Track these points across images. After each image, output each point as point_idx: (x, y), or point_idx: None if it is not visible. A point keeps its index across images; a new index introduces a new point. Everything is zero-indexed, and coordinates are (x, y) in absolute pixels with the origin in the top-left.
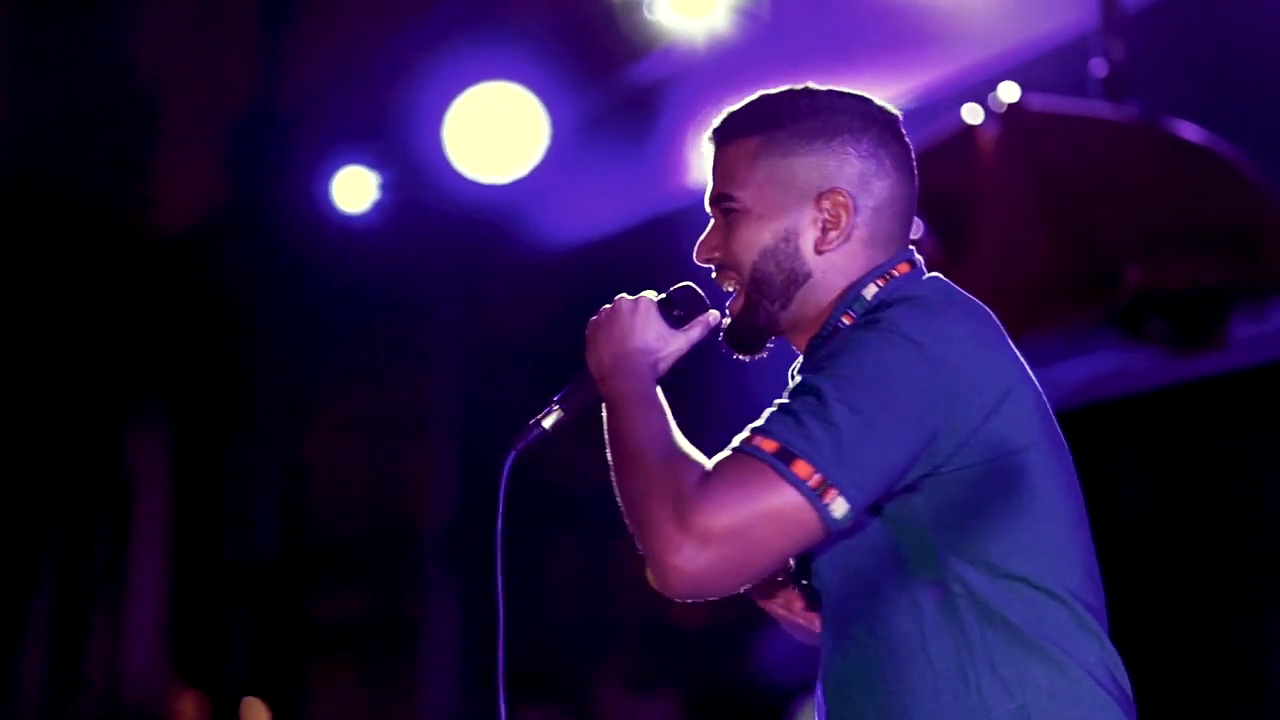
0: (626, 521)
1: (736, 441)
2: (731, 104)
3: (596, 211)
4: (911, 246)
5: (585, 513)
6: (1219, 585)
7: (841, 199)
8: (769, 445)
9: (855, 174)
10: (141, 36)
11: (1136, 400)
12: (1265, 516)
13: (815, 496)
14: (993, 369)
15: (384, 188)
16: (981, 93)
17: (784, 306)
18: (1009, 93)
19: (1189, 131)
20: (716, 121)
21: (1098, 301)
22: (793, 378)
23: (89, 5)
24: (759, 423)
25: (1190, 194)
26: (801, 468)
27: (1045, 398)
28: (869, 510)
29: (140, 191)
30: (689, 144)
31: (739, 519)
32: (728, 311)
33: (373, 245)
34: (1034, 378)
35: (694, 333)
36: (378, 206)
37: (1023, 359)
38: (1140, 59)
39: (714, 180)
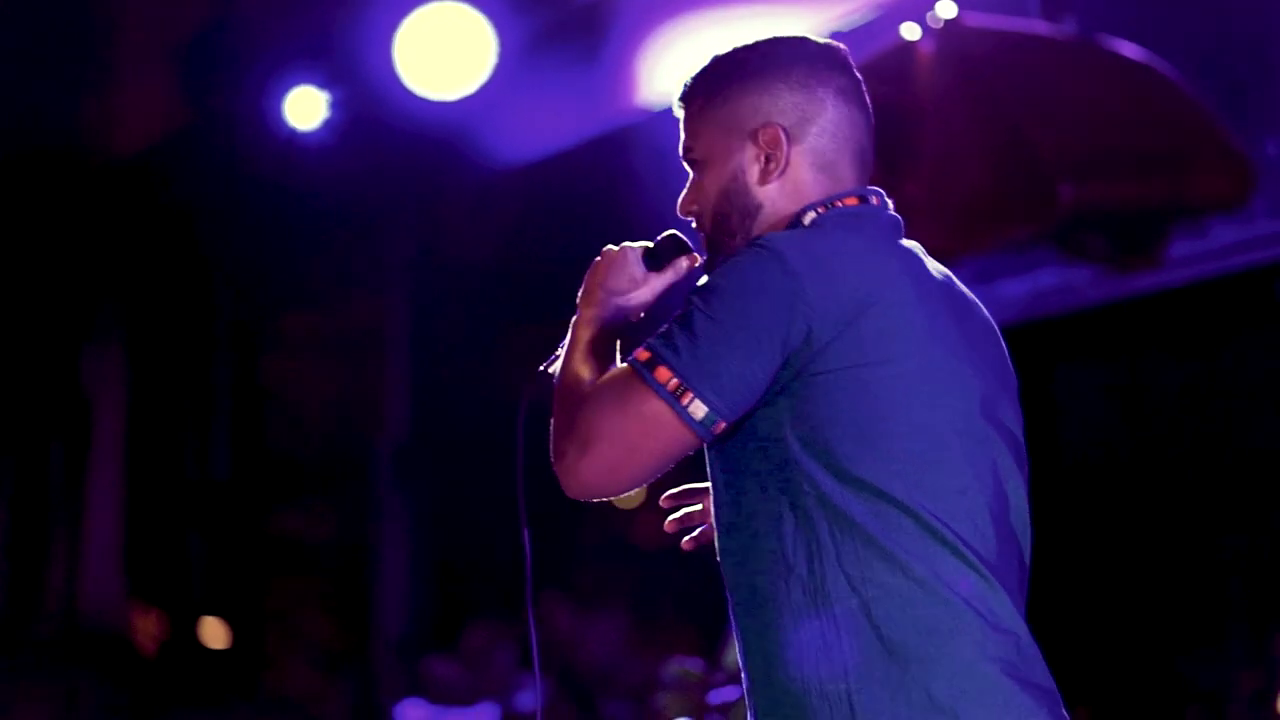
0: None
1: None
2: (724, 32)
3: (547, 128)
4: (875, 189)
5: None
6: (1158, 499)
7: (773, 132)
8: (643, 355)
9: (788, 106)
10: None
11: (1077, 316)
12: (1203, 431)
13: (674, 399)
14: (856, 283)
15: (335, 106)
16: (920, 11)
17: (745, 239)
18: (946, 9)
19: (1127, 50)
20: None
21: (1035, 219)
22: None
23: None
24: (649, 338)
25: (1128, 112)
26: (662, 373)
27: (950, 320)
28: (739, 422)
29: (93, 112)
30: (637, 60)
31: (611, 423)
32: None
33: (325, 163)
34: (937, 301)
35: (666, 276)
36: (329, 124)
37: (916, 281)
38: None
39: (683, 141)
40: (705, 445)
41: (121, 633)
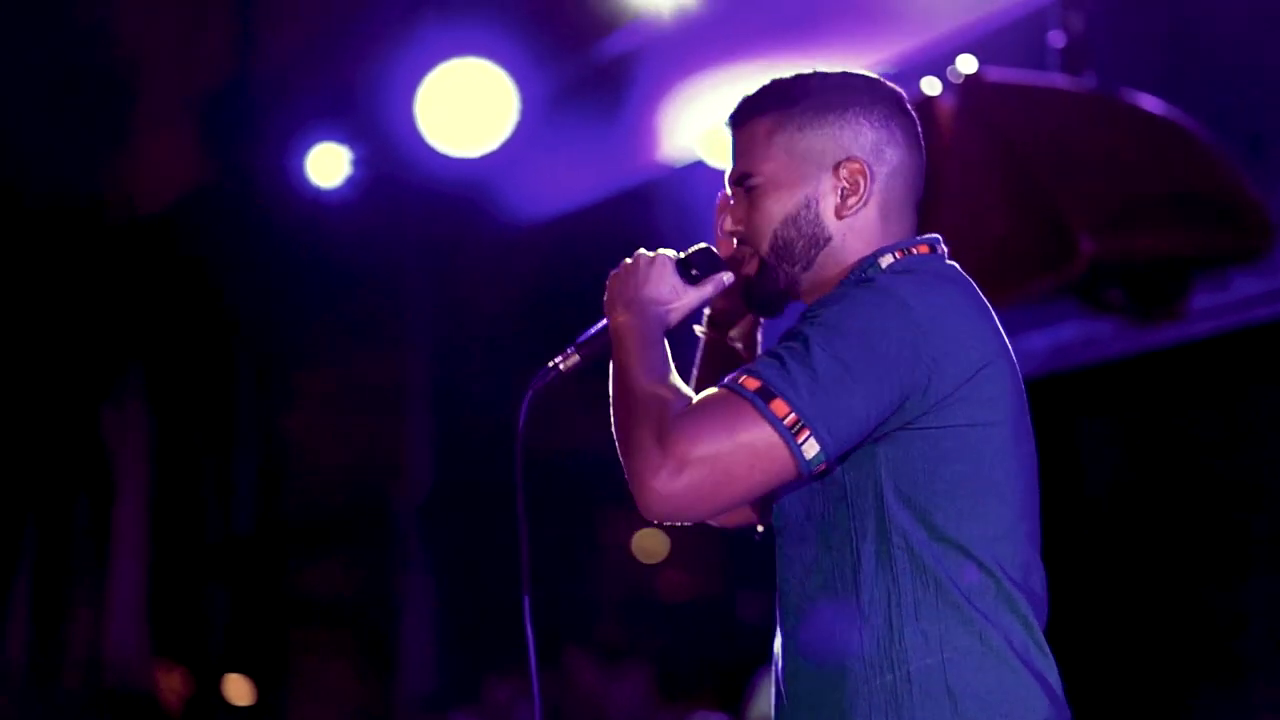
0: (617, 447)
1: (721, 380)
2: (743, 89)
3: (567, 185)
4: (937, 236)
5: (566, 486)
6: (1180, 551)
7: (858, 166)
8: (752, 384)
9: (869, 144)
10: (117, 11)
11: (1099, 369)
12: (1226, 484)
13: (789, 435)
14: (974, 343)
15: (357, 163)
16: (941, 66)
17: (805, 268)
18: (967, 64)
19: (1147, 103)
20: (732, 109)
21: (1056, 272)
22: None
23: None
24: (747, 365)
25: (1148, 165)
26: (779, 406)
27: (1022, 385)
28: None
29: (116, 168)
30: (657, 116)
31: (716, 448)
32: (741, 275)
33: (347, 220)
34: (1015, 363)
35: (706, 290)
36: (351, 182)
37: (1007, 342)
38: (1098, 31)
39: (734, 162)
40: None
41: (146, 689)
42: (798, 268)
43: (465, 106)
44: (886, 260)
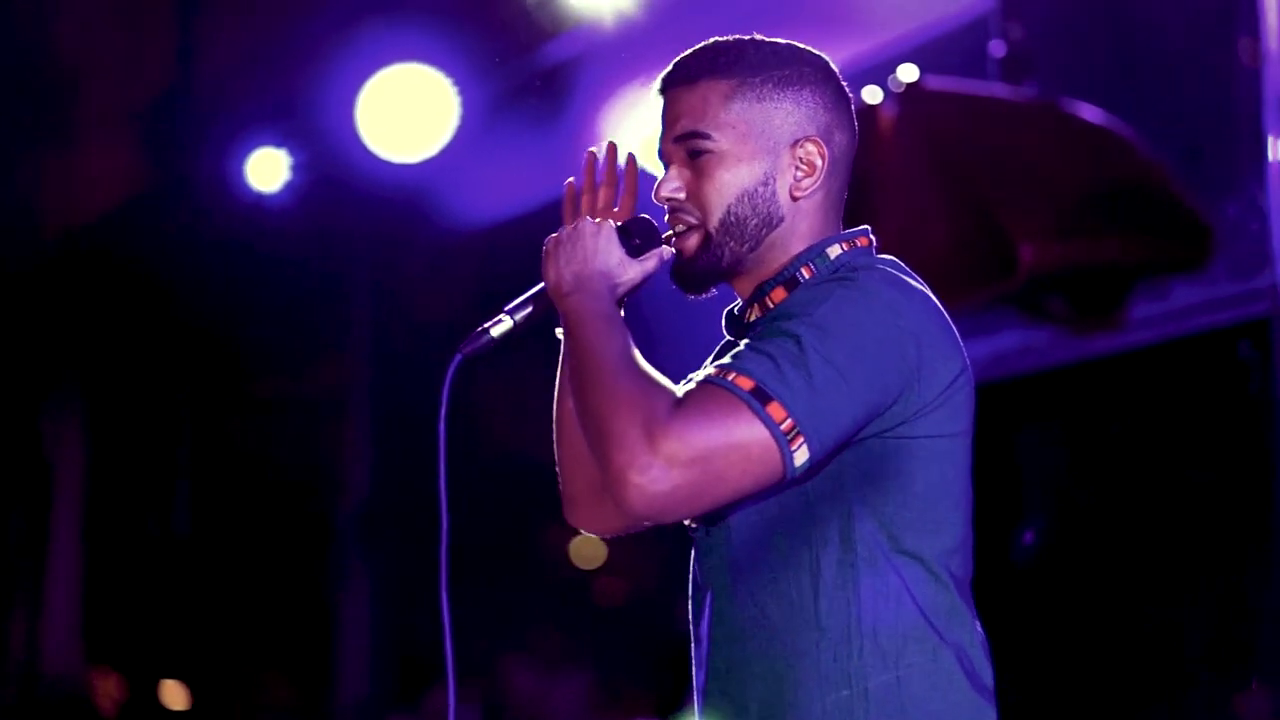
0: (587, 436)
1: (705, 375)
2: (689, 51)
3: (508, 191)
4: (868, 228)
5: (501, 490)
6: (1119, 560)
7: (815, 147)
8: (745, 383)
9: (824, 124)
10: (57, 18)
11: (1038, 378)
12: (1164, 493)
13: (784, 440)
14: (953, 351)
15: (297, 168)
16: (882, 74)
17: (752, 249)
18: (908, 73)
19: (1087, 111)
20: (675, 65)
21: (996, 280)
22: (736, 319)
23: None
24: (732, 360)
25: (1087, 174)
26: (776, 410)
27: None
28: None
29: (55, 175)
30: (598, 123)
31: (708, 447)
32: (676, 248)
33: (287, 225)
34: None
35: (649, 264)
36: (291, 187)
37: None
38: (1038, 40)
39: (681, 119)
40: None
41: (82, 695)
42: (745, 247)
43: (406, 112)
44: (835, 251)
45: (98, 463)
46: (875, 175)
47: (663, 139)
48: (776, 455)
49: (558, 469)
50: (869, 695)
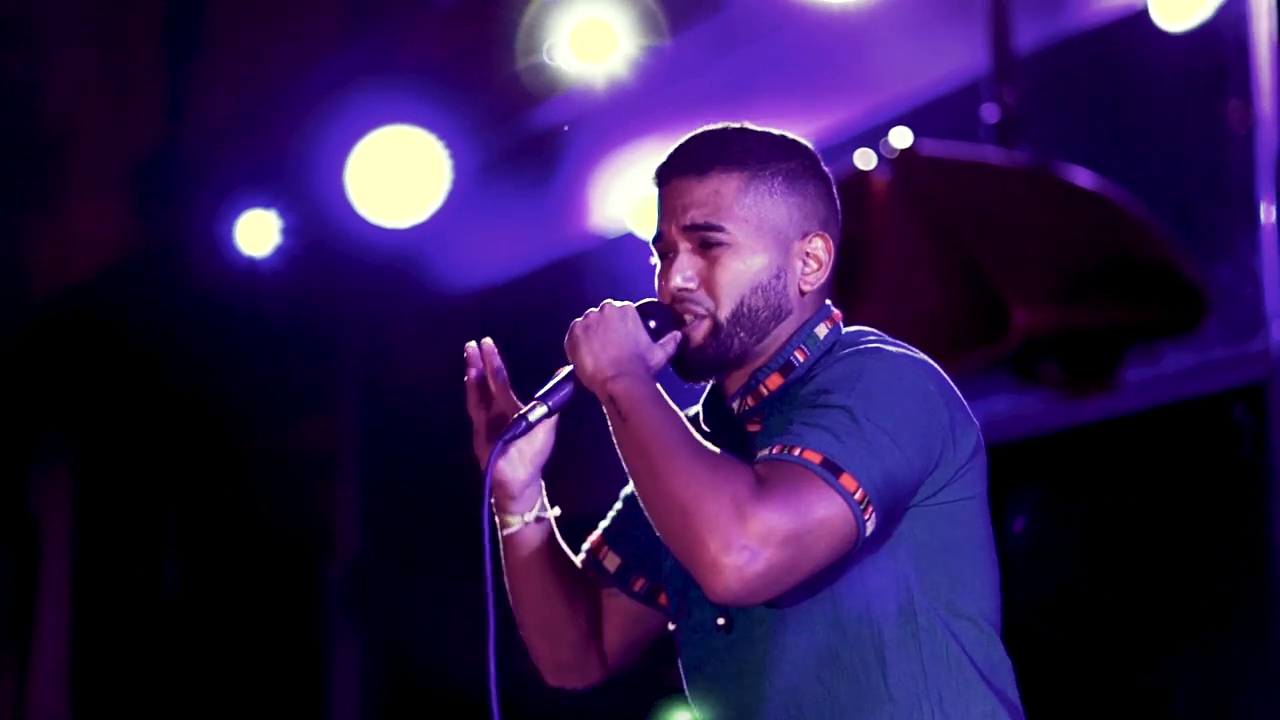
0: (663, 522)
1: (767, 453)
2: (688, 137)
3: (499, 255)
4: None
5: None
6: (1109, 625)
7: (822, 243)
8: (814, 457)
9: (825, 217)
10: (47, 78)
11: (1031, 443)
12: (1155, 559)
13: (859, 510)
14: (970, 416)
15: (286, 232)
16: (874, 138)
17: (759, 340)
18: (901, 138)
19: (1080, 176)
20: (681, 153)
21: (989, 344)
22: (722, 410)
23: None
24: (789, 437)
25: (1081, 238)
26: (848, 481)
27: None
28: None
29: (44, 235)
30: (589, 187)
31: (798, 525)
32: (684, 336)
33: (276, 287)
34: None
35: (669, 348)
36: (280, 250)
37: None
38: (1031, 104)
39: (691, 210)
40: None
41: None
42: (754, 339)
43: (396, 175)
44: (822, 331)
45: (86, 521)
46: (868, 240)
47: (666, 228)
48: (854, 526)
49: (530, 640)
50: None
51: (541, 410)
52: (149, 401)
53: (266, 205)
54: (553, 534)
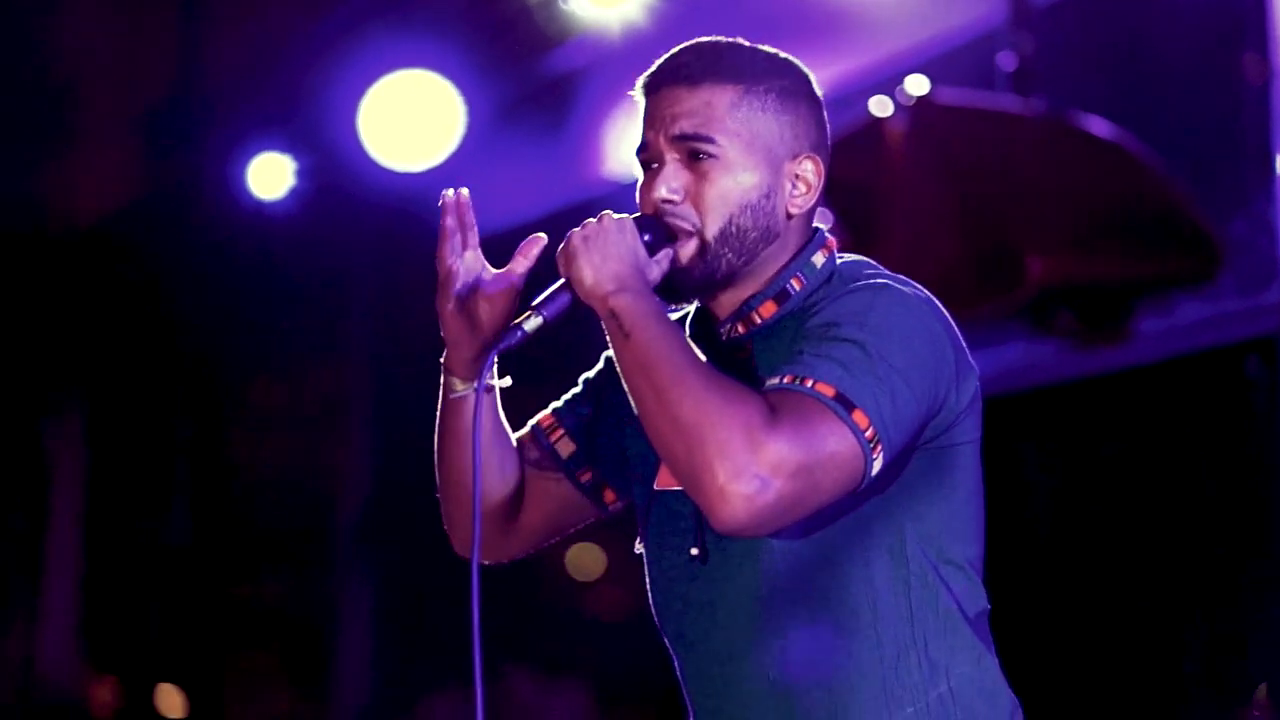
0: (668, 445)
1: (779, 382)
2: (680, 48)
3: (511, 200)
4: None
5: None
6: (1119, 577)
7: (813, 165)
8: (827, 390)
9: (817, 139)
10: (59, 22)
11: (1043, 392)
12: (1167, 508)
13: (868, 448)
14: (969, 360)
15: (300, 174)
16: (890, 86)
17: (747, 262)
18: (917, 86)
19: (1096, 126)
20: (672, 62)
21: (1003, 294)
22: (709, 336)
23: None
24: (799, 367)
25: (1097, 188)
26: (860, 417)
27: None
28: None
29: (56, 179)
30: (603, 133)
31: (809, 458)
32: (675, 255)
33: (289, 232)
34: None
35: (664, 264)
36: (294, 193)
37: None
38: (1048, 53)
39: (680, 120)
40: None
41: (78, 701)
42: (741, 260)
43: (410, 119)
44: (819, 259)
45: (98, 467)
46: (883, 187)
47: (653, 137)
48: (861, 464)
49: (450, 510)
50: (929, 709)
51: (537, 321)
52: (160, 346)
53: (280, 149)
54: (496, 405)
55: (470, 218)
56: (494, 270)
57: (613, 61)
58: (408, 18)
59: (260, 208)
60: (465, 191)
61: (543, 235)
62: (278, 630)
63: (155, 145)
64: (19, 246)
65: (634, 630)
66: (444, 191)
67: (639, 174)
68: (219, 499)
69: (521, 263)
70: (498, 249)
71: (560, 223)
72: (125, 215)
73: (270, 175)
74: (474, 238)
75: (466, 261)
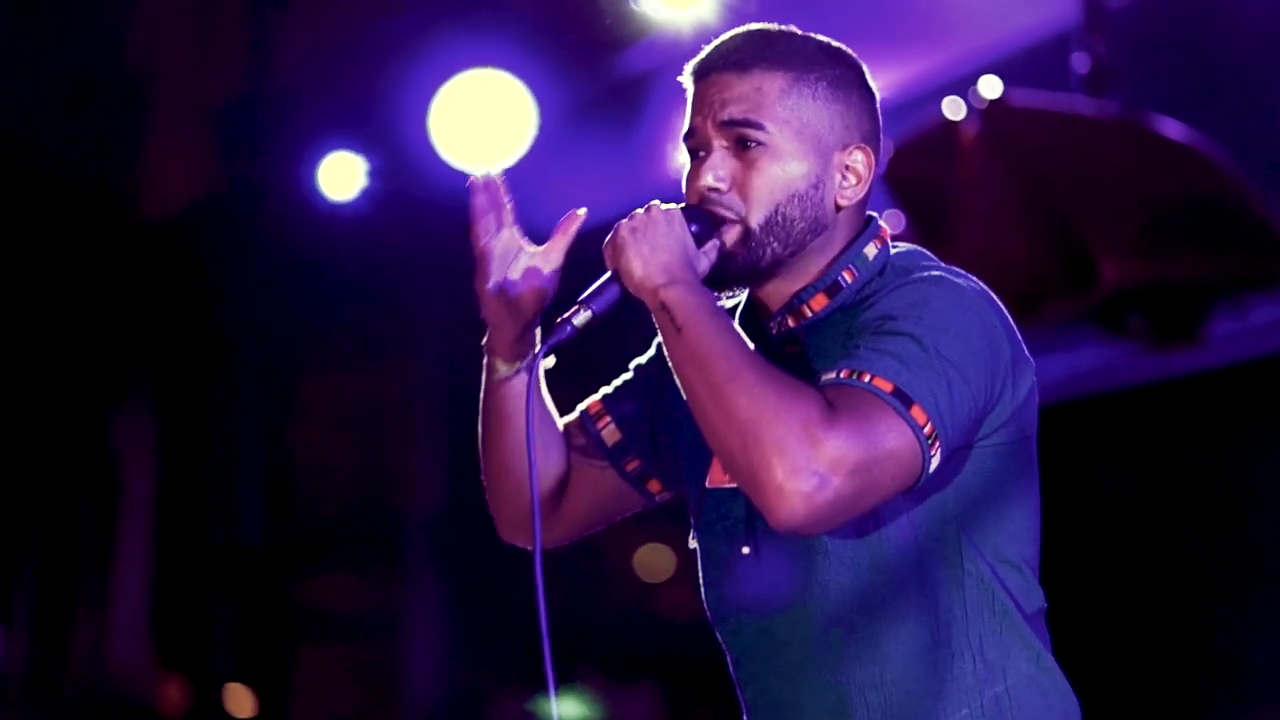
0: (724, 442)
1: (837, 375)
2: (730, 34)
3: (582, 201)
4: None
5: None
6: (1195, 580)
7: (864, 156)
8: (885, 385)
9: (869, 130)
10: (132, 19)
11: (1117, 396)
12: (1241, 513)
13: (926, 444)
14: (1026, 354)
15: (371, 174)
16: (963, 87)
17: (794, 253)
18: (990, 88)
19: (1170, 128)
20: (721, 48)
21: (1076, 297)
22: (758, 328)
23: None
24: (856, 361)
25: (1170, 190)
26: (919, 413)
27: None
28: None
29: (128, 175)
30: (675, 133)
31: (868, 454)
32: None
33: (359, 232)
34: None
35: (712, 255)
36: (365, 194)
37: None
38: (1122, 55)
39: (729, 105)
40: None
41: (147, 699)
42: (787, 250)
43: (482, 119)
44: (871, 250)
45: (167, 465)
46: (955, 189)
47: (701, 123)
48: (919, 460)
49: (495, 493)
50: (984, 709)
51: (586, 315)
52: (229, 344)
53: (351, 148)
54: (541, 389)
55: (502, 197)
56: (533, 248)
57: (685, 62)
58: (479, 17)
59: (331, 208)
60: (496, 171)
61: (582, 210)
62: (347, 629)
63: (227, 143)
64: (91, 242)
65: (703, 631)
66: (472, 175)
67: (685, 162)
68: (288, 498)
69: (560, 240)
70: (569, 250)
71: None
72: (197, 212)
73: (341, 175)
74: (509, 216)
75: (503, 240)
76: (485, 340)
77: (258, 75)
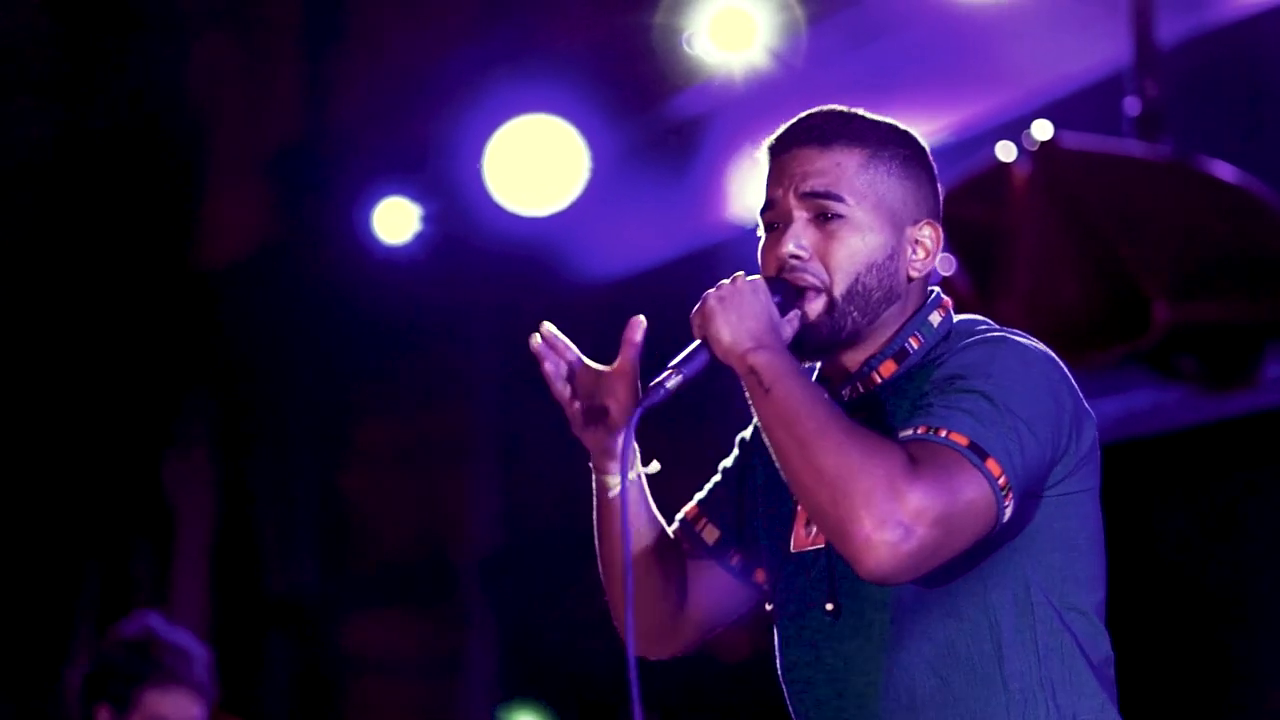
0: (814, 498)
1: (915, 431)
2: (807, 113)
3: (634, 245)
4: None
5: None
6: (1254, 624)
7: (932, 230)
8: (960, 439)
9: (934, 207)
10: (188, 65)
11: (1171, 438)
12: None
13: (1001, 496)
14: (1087, 408)
15: (425, 219)
16: (1015, 130)
17: (870, 322)
18: (1042, 130)
19: (1222, 170)
20: (802, 124)
21: (1129, 339)
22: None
23: (136, 33)
24: (931, 418)
25: (1223, 233)
26: (993, 465)
27: None
28: None
29: (188, 222)
30: (726, 178)
31: (949, 506)
32: (803, 313)
33: (413, 277)
34: None
35: (794, 324)
36: (419, 239)
37: None
38: (1174, 98)
39: (811, 178)
40: None
41: None
42: (865, 319)
43: (535, 164)
44: (935, 318)
45: (222, 507)
46: (1007, 231)
47: (781, 194)
48: (995, 511)
49: (611, 597)
50: None
51: (677, 379)
52: (284, 387)
53: (405, 194)
54: (648, 499)
55: (563, 348)
56: (605, 368)
57: (737, 107)
58: (532, 63)
59: (385, 252)
60: (548, 326)
61: (641, 317)
62: (402, 671)
63: (282, 188)
64: (148, 287)
65: (755, 673)
66: (532, 342)
67: (761, 234)
68: (343, 541)
69: (630, 349)
70: (621, 295)
71: (683, 268)
72: (253, 259)
73: (396, 220)
74: (571, 354)
75: (578, 379)
76: (591, 462)
77: (312, 121)
